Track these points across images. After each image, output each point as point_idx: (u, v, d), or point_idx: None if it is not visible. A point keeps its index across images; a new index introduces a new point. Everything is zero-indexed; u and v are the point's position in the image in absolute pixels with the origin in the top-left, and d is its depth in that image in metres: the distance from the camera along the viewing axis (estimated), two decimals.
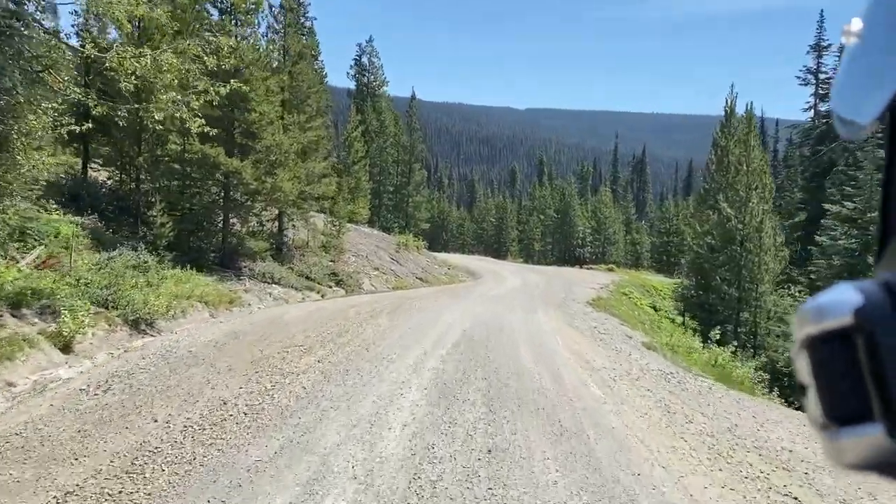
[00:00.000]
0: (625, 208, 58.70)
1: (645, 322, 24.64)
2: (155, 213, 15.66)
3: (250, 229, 19.34)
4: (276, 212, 21.39)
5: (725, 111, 25.69)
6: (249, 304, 15.24)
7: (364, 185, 37.13)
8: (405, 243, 32.16)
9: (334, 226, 26.87)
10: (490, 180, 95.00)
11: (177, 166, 17.20)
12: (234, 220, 18.83)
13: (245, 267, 18.47)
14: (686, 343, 16.02)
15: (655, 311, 30.62)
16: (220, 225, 18.20)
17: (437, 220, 79.35)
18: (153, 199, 16.00)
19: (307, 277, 20.06)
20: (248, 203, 18.07)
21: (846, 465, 0.39)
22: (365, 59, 46.07)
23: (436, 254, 52.22)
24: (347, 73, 44.52)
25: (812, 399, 0.40)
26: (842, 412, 0.38)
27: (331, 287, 20.83)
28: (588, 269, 43.29)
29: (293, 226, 21.78)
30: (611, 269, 41.86)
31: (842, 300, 0.39)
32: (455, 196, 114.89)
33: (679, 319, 30.28)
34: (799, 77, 41.40)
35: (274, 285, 17.84)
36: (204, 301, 13.45)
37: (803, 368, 0.41)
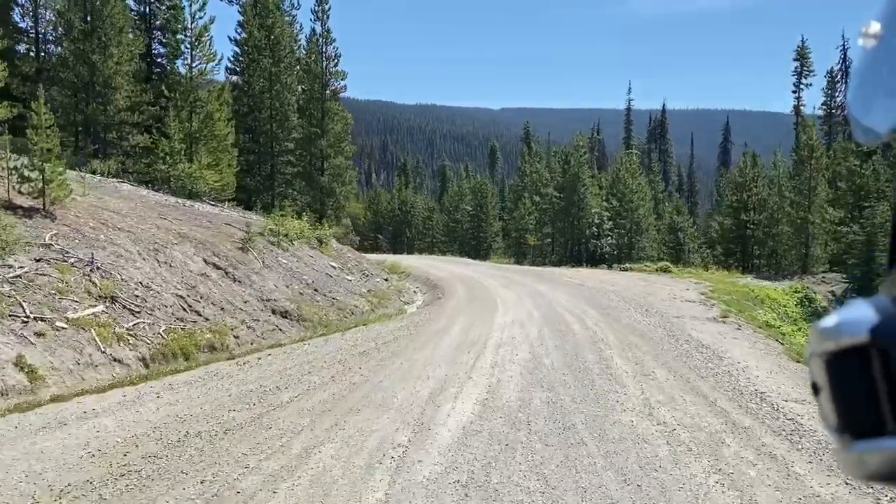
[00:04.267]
0: (652, 182, 41.84)
1: None
2: None
3: None
4: None
5: None
6: None
7: (221, 130, 19.79)
8: (274, 231, 14.98)
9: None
10: (465, 165, 78.40)
11: None
12: None
13: None
14: None
15: None
16: None
17: (399, 214, 62.20)
18: None
19: None
20: None
21: (860, 475, 0.39)
22: None
23: (380, 256, 35.56)
24: None
25: (826, 404, 0.41)
26: (857, 426, 0.39)
27: None
28: (624, 271, 26.40)
29: None
30: (665, 270, 24.97)
31: (858, 318, 0.39)
32: (427, 192, 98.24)
33: None
34: None
35: None
36: None
37: (818, 373, 0.42)
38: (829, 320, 0.41)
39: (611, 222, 37.79)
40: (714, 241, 32.13)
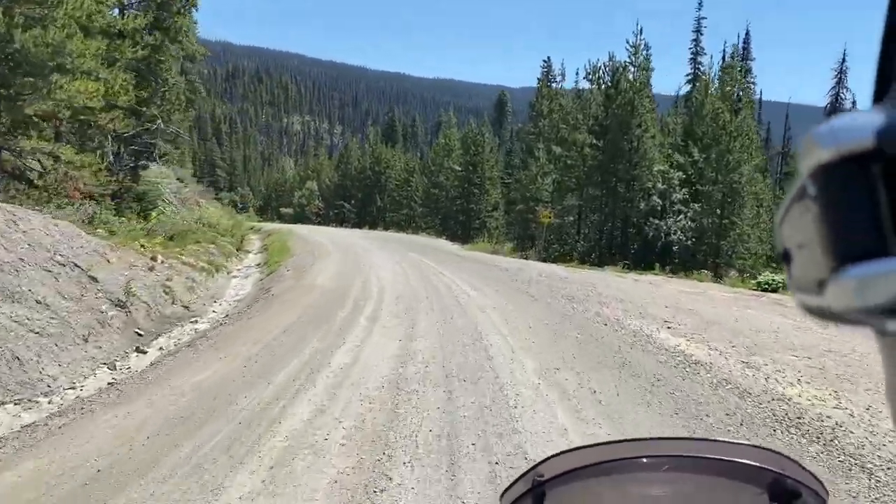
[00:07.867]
0: (747, 135, 25.85)
1: None
2: None
3: None
4: None
5: None
6: None
7: None
8: None
9: None
10: (468, 120, 62.09)
11: None
12: None
13: None
14: None
15: None
16: None
17: (371, 176, 46.54)
18: None
19: None
20: None
21: (851, 309, 0.31)
22: None
23: (290, 226, 21.34)
24: None
25: (806, 257, 0.34)
26: (853, 249, 0.31)
27: None
28: (770, 291, 10.74)
29: None
30: None
31: (861, 122, 0.31)
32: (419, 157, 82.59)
33: None
34: None
35: None
36: None
37: (804, 216, 0.34)
38: (824, 126, 0.32)
39: (684, 190, 22.01)
40: None
